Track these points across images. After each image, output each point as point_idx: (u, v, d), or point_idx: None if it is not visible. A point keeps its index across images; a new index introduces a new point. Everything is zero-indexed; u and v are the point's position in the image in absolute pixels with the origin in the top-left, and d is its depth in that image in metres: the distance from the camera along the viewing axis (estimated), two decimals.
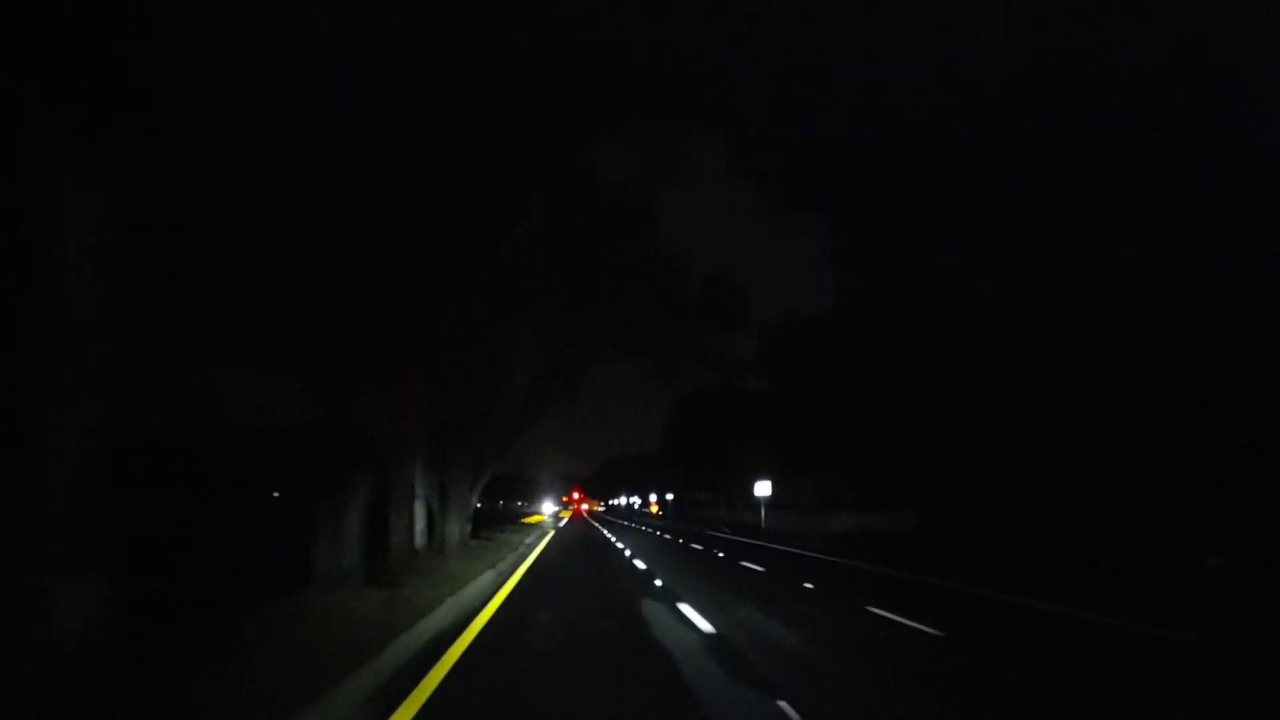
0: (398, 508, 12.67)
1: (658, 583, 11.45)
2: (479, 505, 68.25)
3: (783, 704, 4.53)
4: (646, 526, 42.33)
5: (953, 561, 15.22)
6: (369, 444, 8.01)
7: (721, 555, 18.36)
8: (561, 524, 49.29)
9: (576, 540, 26.05)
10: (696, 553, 19.45)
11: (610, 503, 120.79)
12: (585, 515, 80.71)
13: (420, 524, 14.35)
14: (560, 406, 18.74)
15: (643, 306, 16.98)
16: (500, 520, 41.91)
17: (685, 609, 8.50)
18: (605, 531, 32.69)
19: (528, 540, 22.97)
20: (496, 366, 14.64)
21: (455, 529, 14.35)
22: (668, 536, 29.12)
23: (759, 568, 14.58)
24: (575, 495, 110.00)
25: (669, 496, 75.24)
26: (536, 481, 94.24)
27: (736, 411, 52.74)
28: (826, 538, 24.70)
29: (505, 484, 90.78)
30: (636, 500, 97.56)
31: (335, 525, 7.92)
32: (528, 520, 47.46)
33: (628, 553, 18.63)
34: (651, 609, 8.64)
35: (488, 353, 13.51)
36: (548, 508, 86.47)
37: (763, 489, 35.87)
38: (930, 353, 26.55)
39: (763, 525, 35.56)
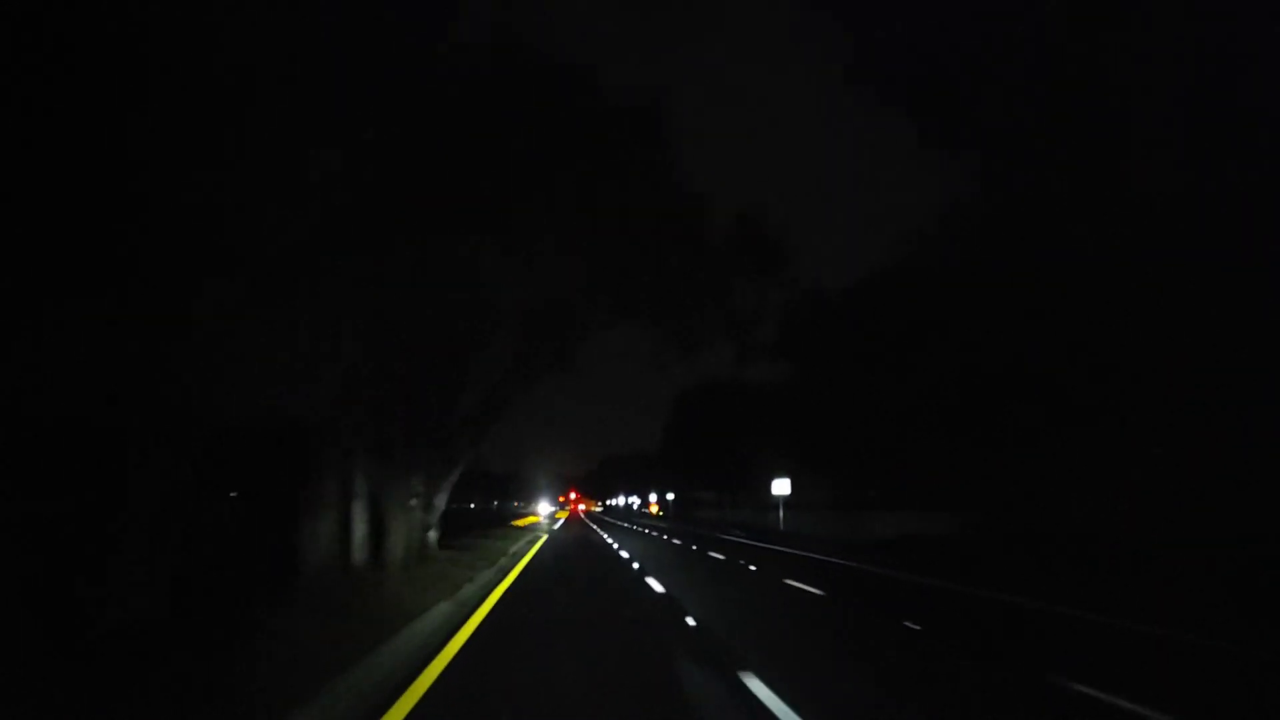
0: (314, 508, 8.96)
1: (690, 621, 7.73)
2: (470, 507, 64.01)
3: None
4: (650, 529, 38.64)
5: (1080, 582, 11.57)
6: (176, 396, 4.27)
7: (754, 569, 14.65)
8: (557, 526, 45.59)
9: (574, 547, 22.30)
10: (719, 564, 15.75)
11: (608, 503, 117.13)
12: (582, 516, 77.28)
13: (360, 531, 10.60)
14: (552, 382, 15.02)
15: (654, 250, 13.27)
16: (492, 522, 38.11)
17: (762, 693, 4.78)
18: (606, 536, 28.92)
19: (514, 548, 19.21)
20: (465, 314, 10.95)
21: (401, 538, 10.60)
22: (677, 541, 25.40)
23: (815, 590, 10.85)
24: (572, 495, 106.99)
25: (669, 496, 72.10)
26: (532, 481, 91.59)
27: (737, 407, 49.40)
28: (867, 544, 21.00)
29: (501, 484, 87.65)
30: (635, 500, 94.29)
31: (120, 545, 4.18)
32: (520, 523, 43.69)
33: (636, 565, 14.91)
34: (703, 695, 4.90)
35: (449, 287, 9.82)
36: (544, 508, 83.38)
37: (781, 487, 32.28)
38: (965, 343, 23.02)
39: (781, 527, 31.89)
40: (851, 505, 32.30)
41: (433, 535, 13.88)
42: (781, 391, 36.38)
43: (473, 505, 75.90)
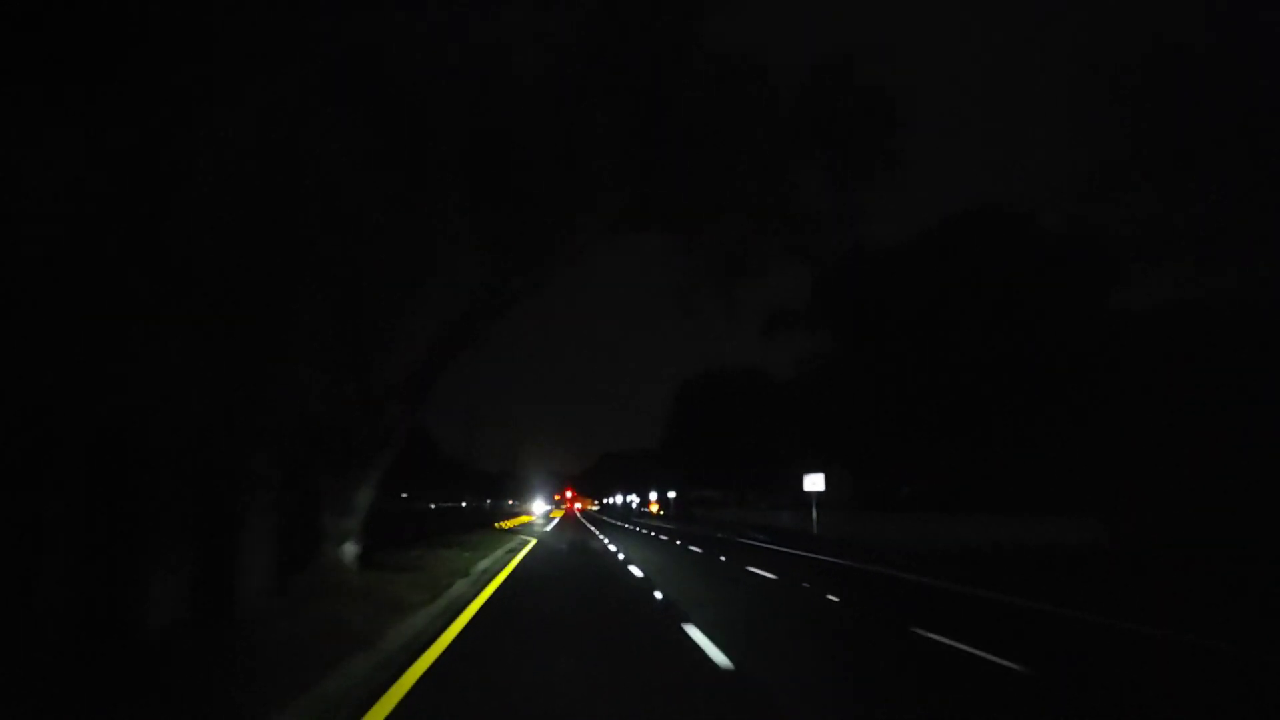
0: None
1: None
2: (462, 505, 58.52)
3: None
4: (654, 531, 33.85)
5: None
6: None
7: (835, 599, 9.81)
8: (550, 526, 40.82)
9: (569, 557, 17.44)
10: (776, 589, 10.94)
11: (605, 501, 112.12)
12: (578, 515, 72.71)
13: (169, 565, 5.69)
14: (526, 315, 10.18)
15: (689, 111, 8.47)
16: (476, 523, 33.13)
17: None
18: (607, 541, 24.02)
19: (486, 562, 14.29)
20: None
21: (171, 586, 5.66)
22: (695, 548, 20.55)
23: (994, 658, 5.99)
24: (568, 494, 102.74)
25: (671, 495, 67.57)
26: (527, 480, 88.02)
27: (748, 396, 45.16)
28: (950, 555, 16.16)
29: (497, 482, 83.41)
30: (634, 499, 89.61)
31: None
32: (507, 524, 38.84)
33: (659, 594, 10.03)
34: None
35: None
36: (538, 507, 79.43)
37: (814, 483, 27.53)
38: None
39: (815, 530, 27.12)
40: (884, 505, 27.55)
41: (349, 551, 8.97)
42: (808, 373, 31.48)
43: (464, 504, 71.00)
